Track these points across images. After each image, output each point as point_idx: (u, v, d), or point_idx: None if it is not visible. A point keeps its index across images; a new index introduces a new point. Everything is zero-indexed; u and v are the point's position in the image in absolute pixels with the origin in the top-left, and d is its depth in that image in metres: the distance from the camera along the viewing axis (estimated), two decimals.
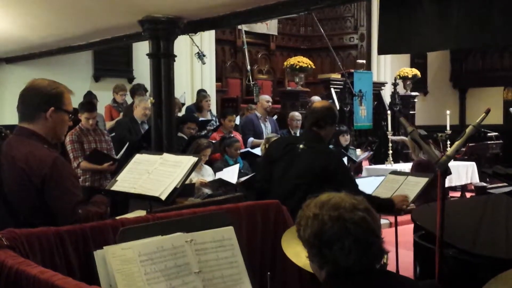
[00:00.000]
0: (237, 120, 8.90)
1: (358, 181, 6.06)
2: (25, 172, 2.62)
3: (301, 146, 3.92)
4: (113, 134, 7.17)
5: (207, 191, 6.29)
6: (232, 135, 7.79)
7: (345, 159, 8.12)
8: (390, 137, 8.76)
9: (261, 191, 3.98)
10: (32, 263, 1.98)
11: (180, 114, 8.49)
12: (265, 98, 9.01)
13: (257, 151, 7.62)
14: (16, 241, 2.17)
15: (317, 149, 3.92)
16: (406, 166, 8.27)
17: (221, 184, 6.28)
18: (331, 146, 8.66)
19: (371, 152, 9.78)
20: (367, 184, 4.75)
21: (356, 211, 1.84)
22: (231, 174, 6.39)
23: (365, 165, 9.17)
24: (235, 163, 7.12)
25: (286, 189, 3.78)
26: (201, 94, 9.31)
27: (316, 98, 9.64)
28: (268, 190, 3.91)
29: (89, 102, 6.73)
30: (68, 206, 2.64)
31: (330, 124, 4.00)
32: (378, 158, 10.69)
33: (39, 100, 2.75)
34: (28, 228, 2.37)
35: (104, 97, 9.13)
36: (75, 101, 5.89)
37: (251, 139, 8.38)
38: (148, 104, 6.81)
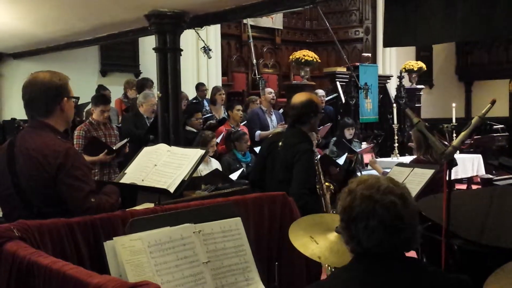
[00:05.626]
0: None
1: (365, 174, 6.12)
2: (39, 162, 2.68)
3: (280, 143, 4.10)
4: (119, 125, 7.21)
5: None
6: (239, 129, 7.77)
7: (341, 152, 8.17)
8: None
9: (253, 180, 4.35)
10: (44, 254, 2.00)
11: None
12: (268, 91, 9.01)
13: None
14: (27, 232, 2.19)
15: (292, 146, 4.01)
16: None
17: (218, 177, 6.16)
18: (334, 138, 8.70)
19: (372, 144, 9.77)
20: None
21: (389, 195, 1.82)
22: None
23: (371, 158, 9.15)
24: (244, 156, 7.13)
25: (274, 183, 4.00)
26: (215, 87, 9.31)
27: (320, 92, 9.64)
28: (262, 180, 4.19)
29: (103, 95, 6.75)
30: (80, 195, 2.70)
31: (313, 117, 4.07)
32: (384, 151, 10.68)
33: (53, 94, 2.80)
34: (41, 217, 2.41)
35: (111, 92, 9.14)
36: (84, 95, 5.93)
37: (258, 132, 8.37)
38: (155, 100, 6.81)
